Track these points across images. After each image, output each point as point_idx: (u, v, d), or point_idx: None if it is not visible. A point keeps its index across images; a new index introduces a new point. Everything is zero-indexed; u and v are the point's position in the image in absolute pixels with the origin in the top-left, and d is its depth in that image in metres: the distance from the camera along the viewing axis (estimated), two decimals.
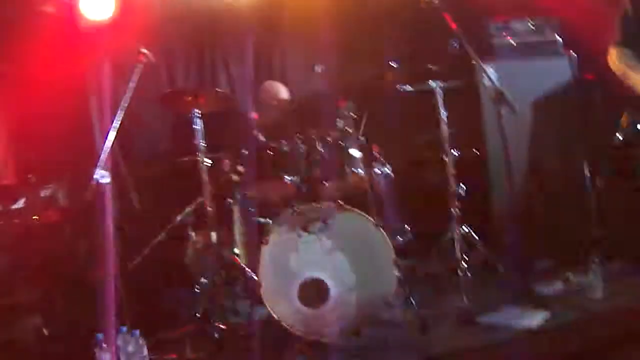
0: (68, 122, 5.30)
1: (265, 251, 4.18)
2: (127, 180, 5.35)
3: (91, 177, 4.86)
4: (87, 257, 5.00)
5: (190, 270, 5.19)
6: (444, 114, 4.59)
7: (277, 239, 4.20)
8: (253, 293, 4.82)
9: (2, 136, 5.40)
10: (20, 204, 4.90)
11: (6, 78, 5.37)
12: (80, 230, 4.98)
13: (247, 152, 4.58)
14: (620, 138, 4.03)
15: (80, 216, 4.93)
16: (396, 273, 4.20)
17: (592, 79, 5.20)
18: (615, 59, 4.07)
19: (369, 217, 4.24)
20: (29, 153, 5.32)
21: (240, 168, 4.87)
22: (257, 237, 4.79)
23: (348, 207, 4.22)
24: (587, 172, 4.84)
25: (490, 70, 4.77)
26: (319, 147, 4.44)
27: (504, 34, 5.29)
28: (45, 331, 4.70)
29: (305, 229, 4.20)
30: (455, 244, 4.59)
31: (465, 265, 4.53)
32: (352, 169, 4.45)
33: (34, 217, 4.87)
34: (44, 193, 4.95)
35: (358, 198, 4.58)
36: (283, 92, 5.55)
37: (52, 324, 4.71)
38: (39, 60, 5.20)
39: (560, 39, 5.37)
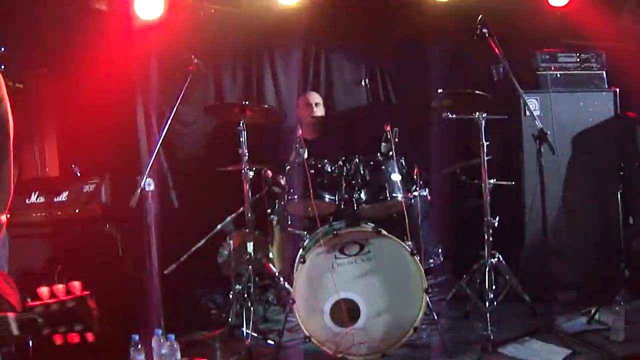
0: (113, 120, 5.41)
1: (303, 269, 4.30)
2: (167, 181, 5.47)
3: (134, 176, 5.02)
4: (124, 255, 5.16)
5: (222, 271, 5.35)
6: (485, 143, 4.64)
7: (315, 258, 4.31)
8: (284, 302, 4.99)
9: (48, 129, 5.53)
10: (64, 197, 5.05)
11: (56, 72, 5.51)
12: (119, 227, 5.12)
13: (289, 167, 4.66)
14: None
15: (120, 214, 5.07)
16: (426, 300, 4.34)
17: (633, 116, 5.24)
18: None
19: (406, 245, 4.35)
20: (74, 148, 5.45)
21: (282, 181, 4.95)
22: (292, 248, 4.94)
23: (386, 233, 4.33)
24: (620, 211, 4.89)
25: (533, 103, 4.85)
26: (362, 171, 4.54)
27: (550, 65, 5.33)
28: None
29: (342, 251, 4.33)
30: (486, 271, 4.67)
31: (493, 294, 4.62)
32: (392, 193, 4.55)
33: (75, 210, 5.03)
34: (87, 188, 5.08)
35: (395, 219, 4.72)
36: (314, 99, 5.63)
37: None
38: (89, 57, 5.31)
39: (606, 75, 5.42)
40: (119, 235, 5.11)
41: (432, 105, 4.80)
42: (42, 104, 5.55)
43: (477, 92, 4.64)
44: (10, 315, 2.18)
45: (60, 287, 2.19)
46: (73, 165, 5.22)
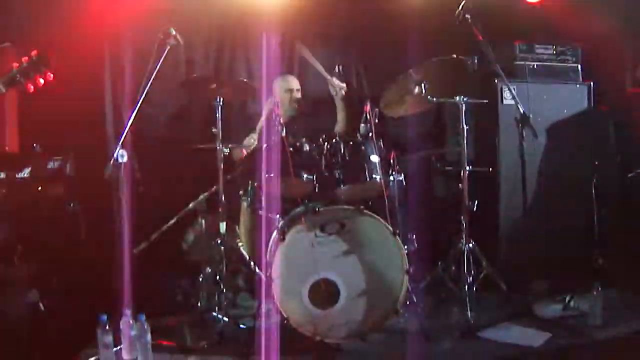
0: (79, 97, 5.19)
1: (281, 248, 4.16)
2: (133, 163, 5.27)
3: (99, 156, 4.83)
4: (90, 235, 4.93)
5: (188, 256, 5.16)
6: (465, 127, 4.63)
7: (295, 236, 4.19)
8: (255, 286, 4.84)
9: (9, 104, 5.26)
10: (26, 173, 4.78)
11: (19, 46, 5.25)
12: (84, 206, 4.91)
13: (266, 146, 4.53)
14: None
15: (84, 193, 4.87)
16: (406, 282, 4.26)
17: (606, 109, 5.32)
18: None
19: (387, 224, 4.27)
20: (36, 125, 5.20)
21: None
22: (263, 231, 4.81)
23: (367, 211, 4.25)
24: (593, 200, 4.94)
25: (512, 90, 4.86)
26: (341, 150, 4.45)
27: (528, 56, 5.39)
28: (42, 306, 4.63)
29: (322, 230, 4.22)
30: (462, 258, 4.63)
31: (470, 280, 4.58)
32: (372, 174, 4.47)
33: (38, 188, 4.79)
34: (50, 164, 4.84)
35: (372, 203, 4.62)
36: (294, 84, 5.53)
37: (49, 300, 4.63)
38: (55, 30, 5.07)
39: (581, 68, 5.50)
40: (83, 216, 4.90)
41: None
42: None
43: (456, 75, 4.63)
44: None
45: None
46: (34, 145, 4.98)
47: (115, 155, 4.06)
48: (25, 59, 3.50)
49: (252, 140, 5.19)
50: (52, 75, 3.55)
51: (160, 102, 5.42)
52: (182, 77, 5.48)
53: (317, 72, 5.39)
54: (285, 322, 4.13)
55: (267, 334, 4.17)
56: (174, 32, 4.44)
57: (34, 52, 3.51)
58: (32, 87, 3.52)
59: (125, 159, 4.11)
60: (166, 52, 4.41)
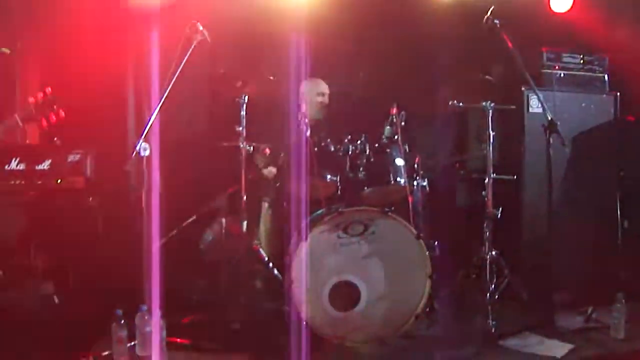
0: (101, 89, 5.12)
1: (303, 248, 4.10)
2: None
3: (121, 148, 4.78)
4: (107, 229, 4.88)
5: (204, 256, 5.10)
6: (492, 133, 4.58)
7: (317, 237, 4.14)
8: (273, 288, 4.78)
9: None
10: (46, 165, 4.75)
11: (44, 39, 5.23)
12: (103, 200, 4.86)
13: (291, 145, 4.48)
14: None
15: (105, 186, 4.82)
16: (428, 287, 4.19)
17: (632, 120, 5.26)
18: None
19: (411, 228, 4.21)
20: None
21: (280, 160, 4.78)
22: (283, 233, 4.75)
23: (391, 214, 4.18)
24: (617, 212, 4.87)
25: (536, 100, 4.82)
26: (366, 151, 4.39)
27: (554, 64, 5.33)
28: (56, 299, 4.58)
29: (346, 231, 4.16)
30: (484, 266, 4.57)
31: (492, 288, 4.53)
32: (396, 177, 4.41)
33: (57, 181, 4.75)
34: (71, 158, 4.80)
35: (395, 207, 4.56)
36: (324, 89, 5.45)
37: (64, 293, 4.59)
38: (81, 25, 5.08)
39: (607, 78, 5.43)
40: (101, 210, 4.85)
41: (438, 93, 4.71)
42: (27, 72, 5.26)
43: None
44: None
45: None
46: (55, 138, 4.94)
47: (137, 148, 4.02)
48: (40, 95, 3.69)
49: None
50: (63, 113, 3.79)
51: (184, 97, 5.34)
52: (206, 74, 5.43)
53: (343, 74, 5.32)
54: (304, 323, 4.07)
55: (285, 336, 4.14)
56: (201, 28, 4.39)
57: (48, 90, 3.71)
58: (45, 123, 3.77)
59: (147, 152, 4.07)
60: (192, 47, 4.36)
